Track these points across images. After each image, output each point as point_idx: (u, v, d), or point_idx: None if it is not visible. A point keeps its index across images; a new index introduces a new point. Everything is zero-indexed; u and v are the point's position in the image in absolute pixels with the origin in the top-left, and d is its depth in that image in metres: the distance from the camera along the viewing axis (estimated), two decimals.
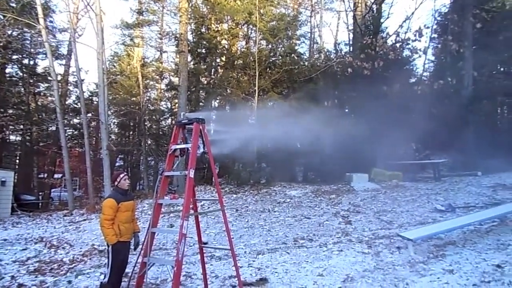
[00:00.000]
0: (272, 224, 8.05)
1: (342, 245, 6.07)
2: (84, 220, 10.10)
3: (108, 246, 3.98)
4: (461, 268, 4.68)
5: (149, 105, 17.08)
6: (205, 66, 13.89)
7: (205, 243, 6.51)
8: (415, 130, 14.41)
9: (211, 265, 5.47)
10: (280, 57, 13.59)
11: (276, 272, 5.01)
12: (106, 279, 4.00)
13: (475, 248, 5.42)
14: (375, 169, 13.01)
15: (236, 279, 4.13)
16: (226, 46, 13.53)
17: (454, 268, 4.71)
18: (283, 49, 13.51)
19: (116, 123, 20.24)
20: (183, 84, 12.69)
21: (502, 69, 18.87)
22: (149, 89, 18.46)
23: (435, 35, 19.28)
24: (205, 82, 15.05)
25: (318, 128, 12.21)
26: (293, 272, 4.97)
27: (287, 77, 12.83)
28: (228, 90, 13.46)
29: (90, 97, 19.70)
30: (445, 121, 14.81)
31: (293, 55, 13.96)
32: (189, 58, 14.01)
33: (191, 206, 3.64)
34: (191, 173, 3.25)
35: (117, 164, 18.42)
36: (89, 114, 16.06)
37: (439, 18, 19.61)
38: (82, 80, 13.51)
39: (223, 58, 13.69)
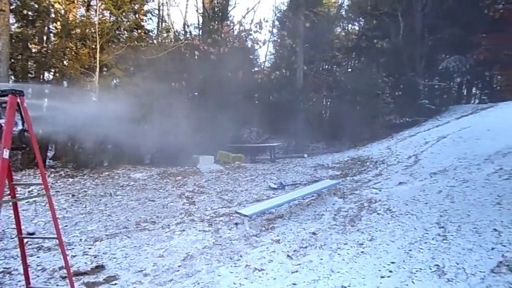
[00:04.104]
0: (113, 208, 7.63)
1: (185, 225, 6.22)
2: None
3: None
4: (286, 238, 5.39)
5: None
6: (34, 32, 11.87)
7: (32, 234, 5.78)
8: (257, 116, 15.72)
9: (38, 257, 4.88)
10: (125, 32, 12.69)
11: (114, 258, 4.81)
12: None
13: (297, 219, 6.32)
14: (220, 151, 13.63)
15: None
16: (62, 12, 11.87)
17: (280, 238, 5.39)
18: (128, 23, 12.61)
19: None
20: (3, 49, 10.57)
21: (326, 66, 22.09)
22: None
23: (275, 30, 21.15)
24: (35, 50, 12.91)
25: (166, 110, 12.05)
26: (133, 256, 4.86)
27: (133, 54, 12.12)
28: (64, 62, 11.89)
29: None
30: (281, 109, 16.55)
31: (139, 31, 13.22)
32: (13, 20, 11.76)
33: (6, 192, 3.15)
34: (5, 154, 2.79)
35: None
36: None
37: (278, 14, 21.63)
38: None
39: (58, 25, 11.99)
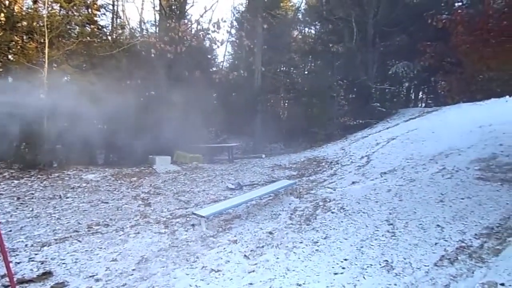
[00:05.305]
0: (63, 211, 7.27)
1: (140, 228, 6.07)
2: None
3: None
4: (243, 238, 5.43)
5: None
6: None
7: None
8: (215, 116, 15.65)
9: None
10: (76, 27, 12.11)
11: (63, 263, 4.59)
12: None
13: (255, 219, 6.38)
14: (177, 151, 13.41)
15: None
16: (6, 2, 11.10)
17: (237, 238, 5.42)
18: (80, 18, 12.05)
19: None
20: None
21: (283, 68, 22.46)
22: None
23: (233, 30, 21.19)
24: None
25: (121, 109, 11.66)
26: (84, 261, 4.67)
27: (85, 50, 11.60)
28: (9, 56, 11.16)
29: None
30: (240, 109, 16.62)
31: (92, 26, 12.68)
32: None
33: None
34: None
35: None
36: None
37: (237, 15, 21.69)
38: None
39: (1, 17, 11.19)
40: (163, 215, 6.86)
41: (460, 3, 16.40)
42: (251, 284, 4.01)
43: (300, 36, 24.43)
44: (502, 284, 3.57)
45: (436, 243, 4.68)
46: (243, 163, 13.26)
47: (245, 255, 4.75)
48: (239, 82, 17.89)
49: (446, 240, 4.73)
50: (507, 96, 12.84)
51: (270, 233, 5.58)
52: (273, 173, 11.00)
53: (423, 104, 21.62)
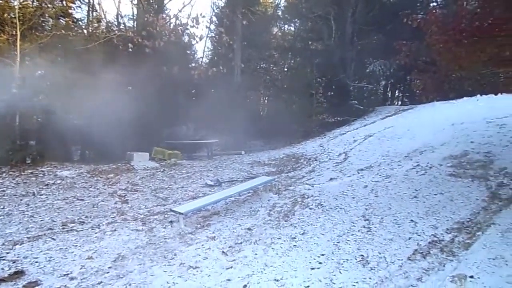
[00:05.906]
0: (36, 209, 7.07)
1: (117, 225, 5.98)
2: None
3: None
4: (221, 234, 5.43)
5: None
6: None
7: None
8: (194, 112, 15.52)
9: None
10: (50, 19, 11.73)
11: (36, 262, 4.48)
12: None
13: (233, 215, 6.39)
14: (156, 148, 13.23)
15: None
16: None
17: (216, 235, 5.42)
18: (54, 10, 11.67)
19: None
20: None
21: (263, 65, 22.48)
22: None
23: (212, 26, 21.02)
24: None
25: (98, 104, 11.40)
26: (58, 259, 4.56)
27: (60, 43, 11.26)
28: None
29: None
30: (219, 105, 16.51)
31: (67, 19, 12.30)
32: None
33: None
34: None
35: None
36: None
37: (216, 10, 21.51)
38: None
39: None
40: (141, 212, 6.78)
41: (435, 3, 16.84)
42: (229, 280, 4.02)
43: (279, 33, 24.48)
44: (472, 277, 3.72)
45: (409, 238, 4.82)
46: (222, 160, 13.23)
47: (223, 252, 4.76)
48: (218, 78, 17.76)
49: (419, 235, 4.88)
50: (478, 95, 13.27)
51: (249, 229, 5.60)
52: (252, 170, 11.02)
53: (399, 102, 22.12)
